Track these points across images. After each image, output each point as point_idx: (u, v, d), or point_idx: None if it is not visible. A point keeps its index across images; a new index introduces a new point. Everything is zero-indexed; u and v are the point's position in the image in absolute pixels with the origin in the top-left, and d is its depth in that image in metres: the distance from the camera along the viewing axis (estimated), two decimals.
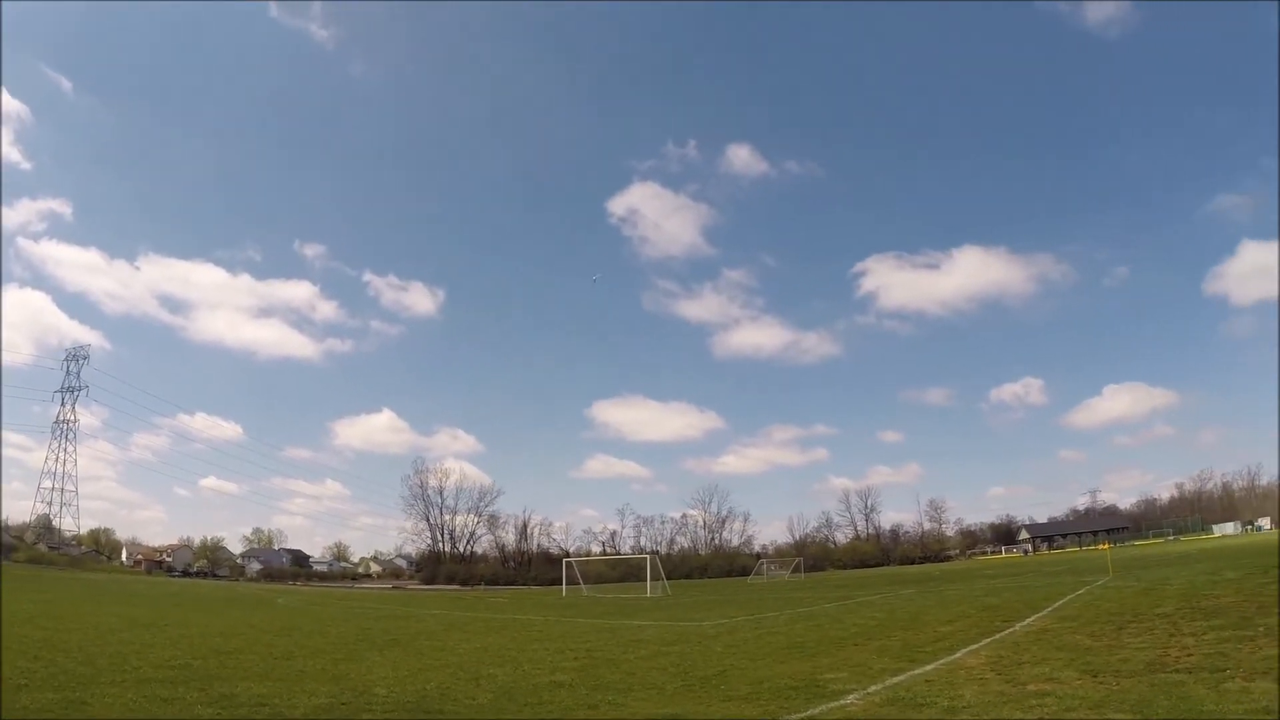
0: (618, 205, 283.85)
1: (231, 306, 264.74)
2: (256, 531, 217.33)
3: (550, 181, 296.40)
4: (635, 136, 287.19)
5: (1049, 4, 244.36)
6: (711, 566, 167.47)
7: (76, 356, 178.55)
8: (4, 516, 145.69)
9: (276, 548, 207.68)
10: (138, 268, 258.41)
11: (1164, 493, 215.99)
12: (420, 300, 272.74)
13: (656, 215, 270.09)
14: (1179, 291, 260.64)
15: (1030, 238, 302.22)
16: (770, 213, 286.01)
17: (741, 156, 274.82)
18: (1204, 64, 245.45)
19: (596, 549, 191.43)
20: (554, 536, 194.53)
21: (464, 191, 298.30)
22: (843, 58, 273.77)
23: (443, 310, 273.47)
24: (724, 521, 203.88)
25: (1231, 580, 32.06)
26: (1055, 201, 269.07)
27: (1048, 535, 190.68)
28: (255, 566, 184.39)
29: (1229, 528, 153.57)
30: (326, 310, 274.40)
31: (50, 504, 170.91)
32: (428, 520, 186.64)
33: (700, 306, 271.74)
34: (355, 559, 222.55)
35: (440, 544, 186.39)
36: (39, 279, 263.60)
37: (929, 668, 16.08)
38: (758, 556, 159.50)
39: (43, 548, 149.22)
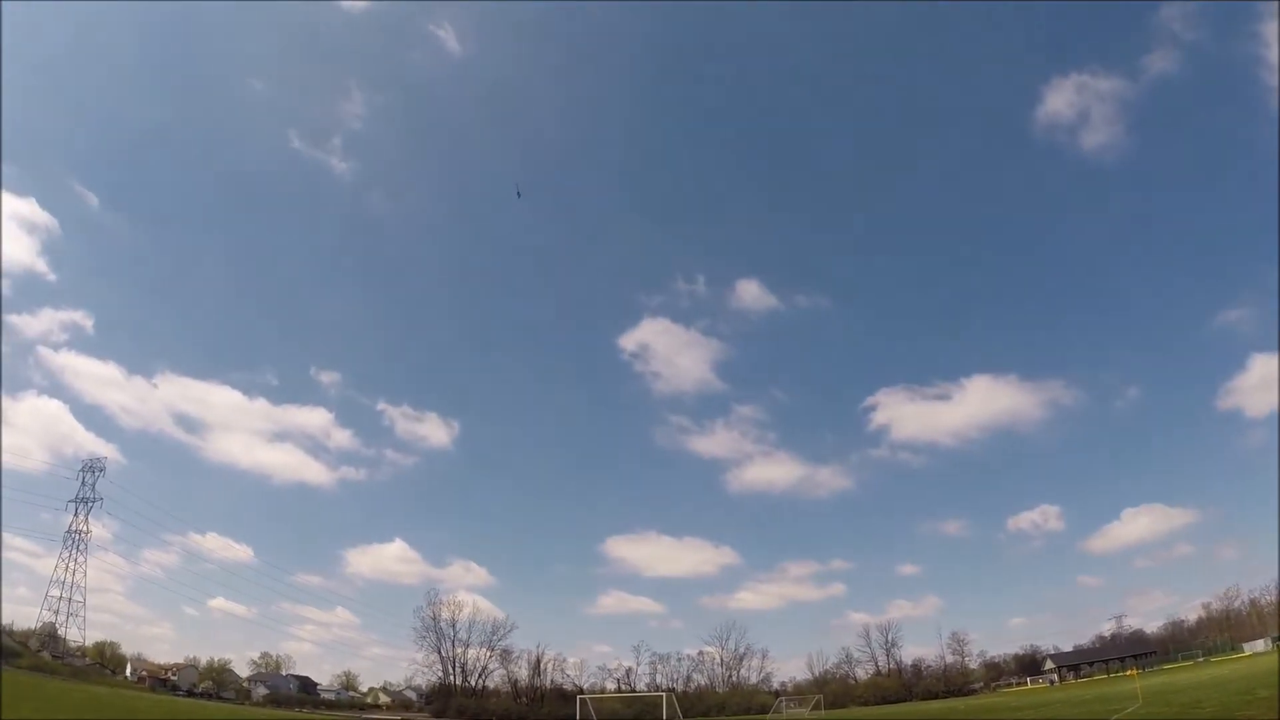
0: (629, 341, 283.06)
1: (247, 429, 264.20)
2: (264, 656, 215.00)
3: (563, 316, 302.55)
4: (645, 272, 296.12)
5: (1045, 135, 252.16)
6: (729, 704, 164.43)
7: (93, 468, 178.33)
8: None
9: (284, 673, 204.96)
10: (155, 385, 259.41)
11: (1191, 613, 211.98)
12: (434, 431, 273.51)
13: (668, 351, 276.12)
14: (1192, 408, 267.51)
15: (1038, 364, 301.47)
16: (779, 347, 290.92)
17: (750, 291, 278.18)
18: (1195, 182, 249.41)
19: (611, 686, 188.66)
20: (568, 672, 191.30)
21: (478, 325, 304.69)
22: (846, 190, 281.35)
23: (456, 442, 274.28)
24: (741, 658, 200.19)
25: (1265, 699, 30.50)
26: (1061, 325, 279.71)
27: (1074, 664, 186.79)
28: (261, 691, 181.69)
29: (1259, 645, 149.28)
30: (341, 438, 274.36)
31: (57, 613, 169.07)
32: (439, 652, 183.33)
33: (713, 442, 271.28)
34: (364, 688, 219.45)
35: (451, 677, 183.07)
36: (57, 388, 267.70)
37: None
38: (776, 694, 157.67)
39: (47, 656, 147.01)
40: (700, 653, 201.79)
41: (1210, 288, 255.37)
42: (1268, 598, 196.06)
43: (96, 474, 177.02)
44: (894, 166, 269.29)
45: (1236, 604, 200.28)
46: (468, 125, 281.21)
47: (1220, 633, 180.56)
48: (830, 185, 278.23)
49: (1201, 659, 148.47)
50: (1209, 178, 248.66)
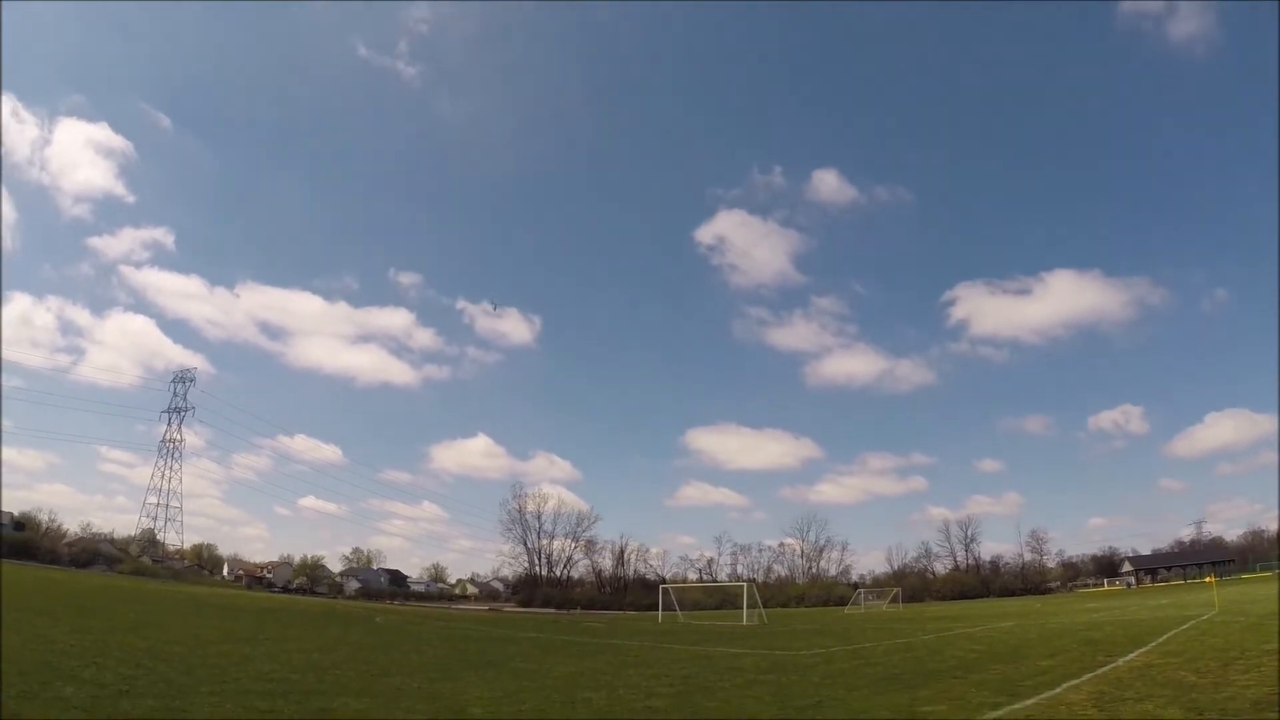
0: (705, 234, 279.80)
1: (329, 334, 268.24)
2: (355, 551, 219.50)
3: (638, 211, 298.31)
4: (720, 165, 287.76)
5: (1133, 19, 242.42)
6: (808, 596, 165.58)
7: (183, 379, 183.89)
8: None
9: (374, 567, 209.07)
10: (237, 295, 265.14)
11: (1272, 524, 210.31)
12: (516, 328, 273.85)
13: (745, 243, 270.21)
14: None
15: (1125, 260, 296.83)
16: (859, 239, 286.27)
17: (828, 182, 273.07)
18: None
19: (693, 576, 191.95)
20: (650, 563, 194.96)
21: (554, 222, 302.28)
22: (928, 81, 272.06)
23: (538, 338, 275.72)
24: (821, 550, 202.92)
25: None
26: (1149, 223, 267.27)
27: (1151, 568, 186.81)
28: (354, 585, 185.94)
29: None
30: (423, 338, 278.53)
31: (155, 519, 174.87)
32: (525, 544, 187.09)
33: (791, 334, 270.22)
34: (452, 580, 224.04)
35: (537, 568, 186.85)
36: (142, 305, 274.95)
37: (1029, 702, 15.85)
38: (855, 586, 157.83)
39: (147, 560, 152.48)
40: (781, 544, 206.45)
41: None
42: None
43: (187, 384, 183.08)
44: (974, 57, 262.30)
45: None
46: (533, 25, 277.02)
47: None
48: (909, 75, 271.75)
49: None
50: None
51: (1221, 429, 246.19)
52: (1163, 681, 17.67)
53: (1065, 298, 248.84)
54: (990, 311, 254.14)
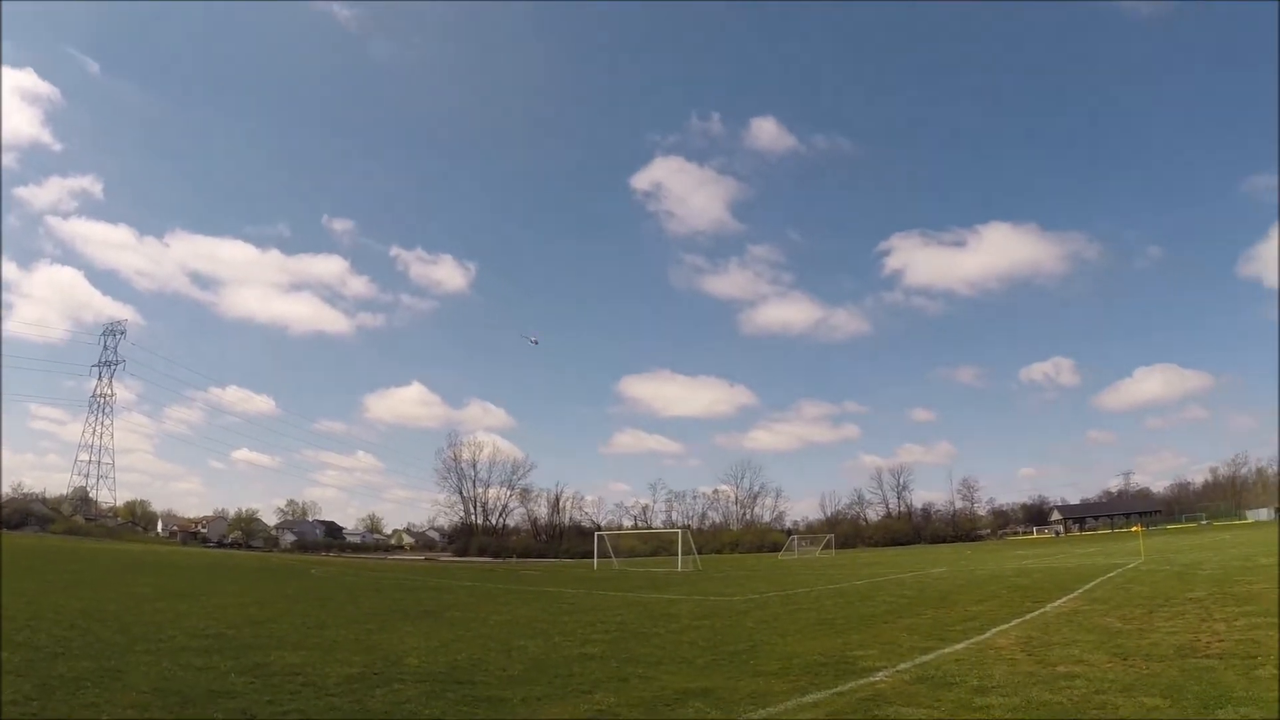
0: (642, 180, 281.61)
1: (262, 282, 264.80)
2: (290, 503, 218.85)
3: (573, 157, 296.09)
4: (659, 111, 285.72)
5: None
6: (743, 542, 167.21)
7: (113, 332, 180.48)
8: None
9: (310, 519, 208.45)
10: (167, 245, 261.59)
11: (1197, 476, 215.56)
12: (450, 275, 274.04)
13: (682, 190, 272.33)
14: (1213, 273, 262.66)
15: (1061, 215, 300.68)
16: (796, 188, 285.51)
17: (767, 130, 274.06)
18: (1236, 40, 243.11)
19: (628, 523, 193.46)
20: (586, 510, 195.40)
21: (490, 168, 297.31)
22: (868, 29, 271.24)
23: (473, 285, 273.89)
24: (755, 497, 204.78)
25: (1265, 566, 32.03)
26: (1086, 180, 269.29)
27: (1079, 517, 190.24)
28: (289, 538, 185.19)
29: (1262, 514, 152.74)
30: (357, 285, 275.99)
31: (87, 476, 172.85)
32: (460, 493, 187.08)
33: (727, 282, 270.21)
34: (388, 531, 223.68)
35: (473, 517, 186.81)
36: (70, 256, 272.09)
37: (959, 647, 16.10)
38: (789, 532, 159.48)
39: (80, 519, 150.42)
40: (715, 491, 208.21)
41: (1241, 152, 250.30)
42: (1275, 467, 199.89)
43: (117, 337, 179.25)
44: (916, 8, 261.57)
45: (1244, 471, 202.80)
46: None
47: (1225, 498, 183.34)
48: (849, 24, 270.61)
49: (1205, 522, 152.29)
50: (1246, 40, 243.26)
51: (1150, 383, 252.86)
52: (1089, 627, 18.00)
53: (1000, 250, 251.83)
54: (925, 262, 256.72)
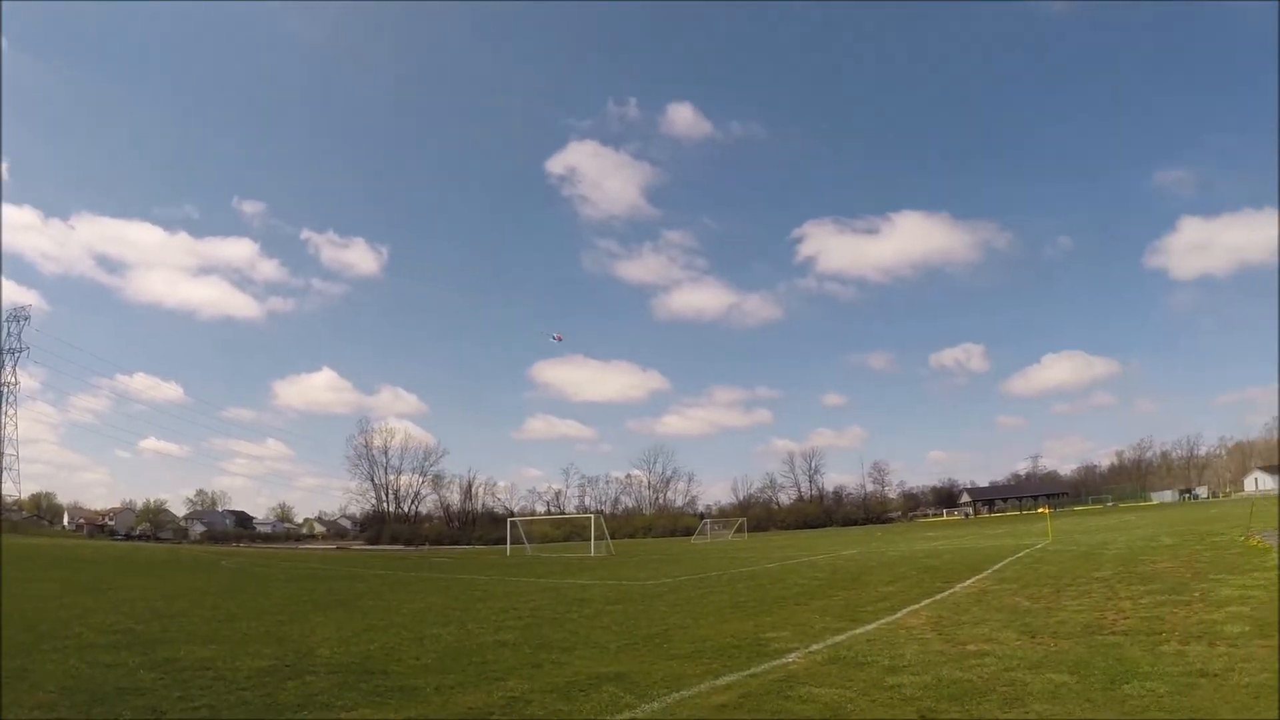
0: (556, 164, 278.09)
1: (170, 265, 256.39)
2: (200, 493, 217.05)
3: (489, 140, 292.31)
4: (575, 95, 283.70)
5: None
6: (656, 526, 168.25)
7: (17, 318, 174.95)
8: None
9: (219, 509, 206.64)
10: (73, 227, 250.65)
11: (1104, 460, 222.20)
12: (362, 258, 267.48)
13: (596, 174, 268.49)
14: (1121, 263, 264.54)
15: (972, 205, 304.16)
16: (711, 174, 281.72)
17: (683, 116, 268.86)
18: (1148, 38, 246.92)
19: (541, 509, 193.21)
20: (498, 496, 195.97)
21: (403, 150, 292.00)
22: (786, 18, 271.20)
23: (385, 269, 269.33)
24: (668, 482, 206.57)
25: (1168, 546, 32.72)
26: (998, 170, 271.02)
27: (988, 499, 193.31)
28: (199, 529, 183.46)
29: (1166, 495, 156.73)
30: (267, 269, 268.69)
31: None
32: (372, 480, 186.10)
33: (641, 267, 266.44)
34: (299, 519, 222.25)
35: (385, 504, 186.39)
36: None
37: (870, 627, 16.24)
38: (701, 517, 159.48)
39: None
40: (628, 476, 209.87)
41: (1152, 146, 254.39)
42: (1178, 451, 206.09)
43: (21, 323, 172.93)
44: None
45: (1149, 455, 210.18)
46: None
47: (1131, 481, 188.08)
48: (767, 10, 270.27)
49: (1111, 504, 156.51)
50: (1158, 36, 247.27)
51: (1058, 370, 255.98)
52: (998, 606, 18.24)
53: (912, 238, 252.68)
54: (838, 249, 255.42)
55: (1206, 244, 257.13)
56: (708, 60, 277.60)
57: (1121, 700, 9.56)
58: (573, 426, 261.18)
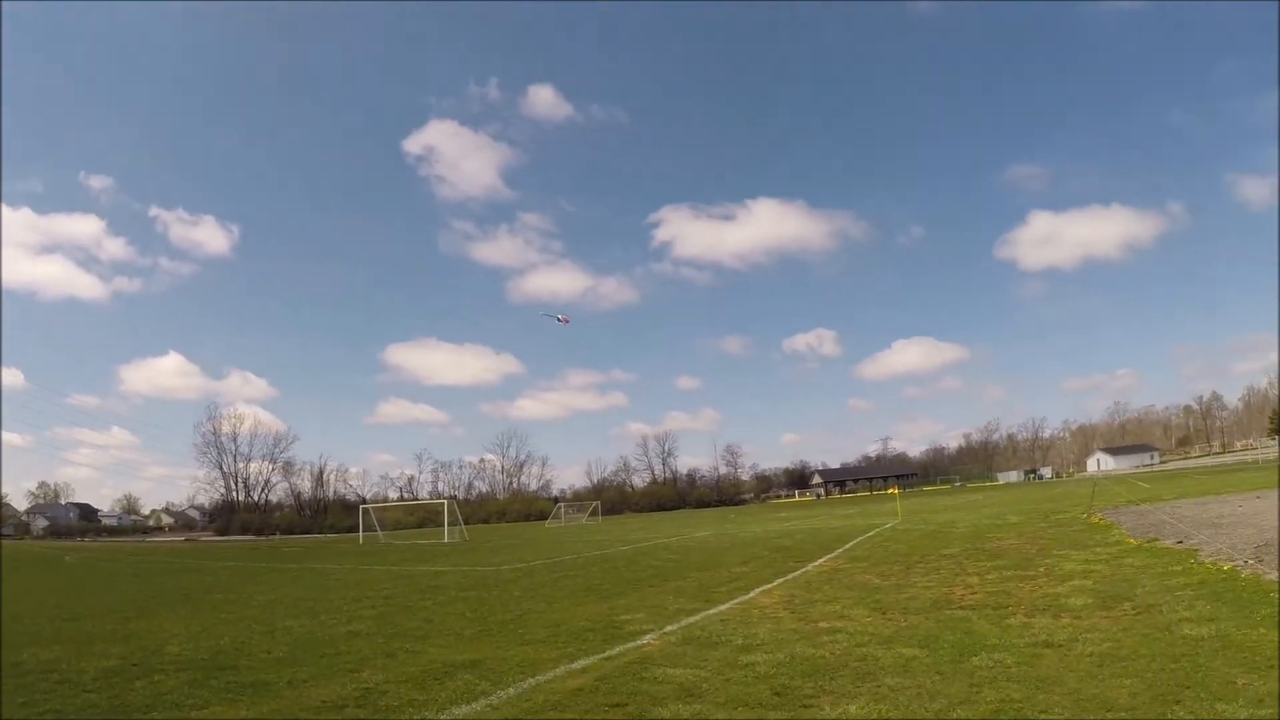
0: (414, 144, 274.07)
1: (10, 243, 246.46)
2: (42, 485, 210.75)
3: (345, 117, 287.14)
4: (435, 74, 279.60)
5: None
6: (510, 511, 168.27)
7: None
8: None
9: (63, 502, 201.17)
10: None
11: (952, 442, 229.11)
12: (212, 237, 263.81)
13: (454, 155, 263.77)
14: (971, 253, 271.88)
15: (828, 194, 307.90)
16: (570, 157, 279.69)
17: (544, 98, 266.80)
18: (1008, 36, 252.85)
19: (394, 495, 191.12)
20: (350, 483, 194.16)
21: (256, 124, 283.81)
22: (648, 3, 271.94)
23: (236, 249, 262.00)
24: (522, 466, 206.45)
25: (1014, 524, 33.79)
26: (856, 161, 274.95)
27: (840, 480, 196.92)
28: (41, 523, 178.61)
29: (1012, 475, 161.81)
30: (114, 247, 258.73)
31: None
32: (221, 469, 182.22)
33: (497, 249, 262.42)
34: (146, 511, 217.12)
35: (234, 493, 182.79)
36: None
37: (724, 607, 16.36)
38: (555, 501, 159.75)
39: None
40: (482, 460, 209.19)
41: (1005, 141, 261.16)
42: (1024, 434, 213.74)
43: None
44: None
45: (995, 437, 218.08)
46: None
47: (978, 462, 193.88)
48: None
49: (959, 484, 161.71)
50: (1015, 35, 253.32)
51: (908, 355, 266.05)
52: (849, 584, 18.52)
53: (768, 225, 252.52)
54: (695, 235, 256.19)
55: (1054, 237, 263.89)
56: (571, 43, 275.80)
57: (970, 672, 9.75)
58: (426, 411, 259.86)
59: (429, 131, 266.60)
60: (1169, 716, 7.63)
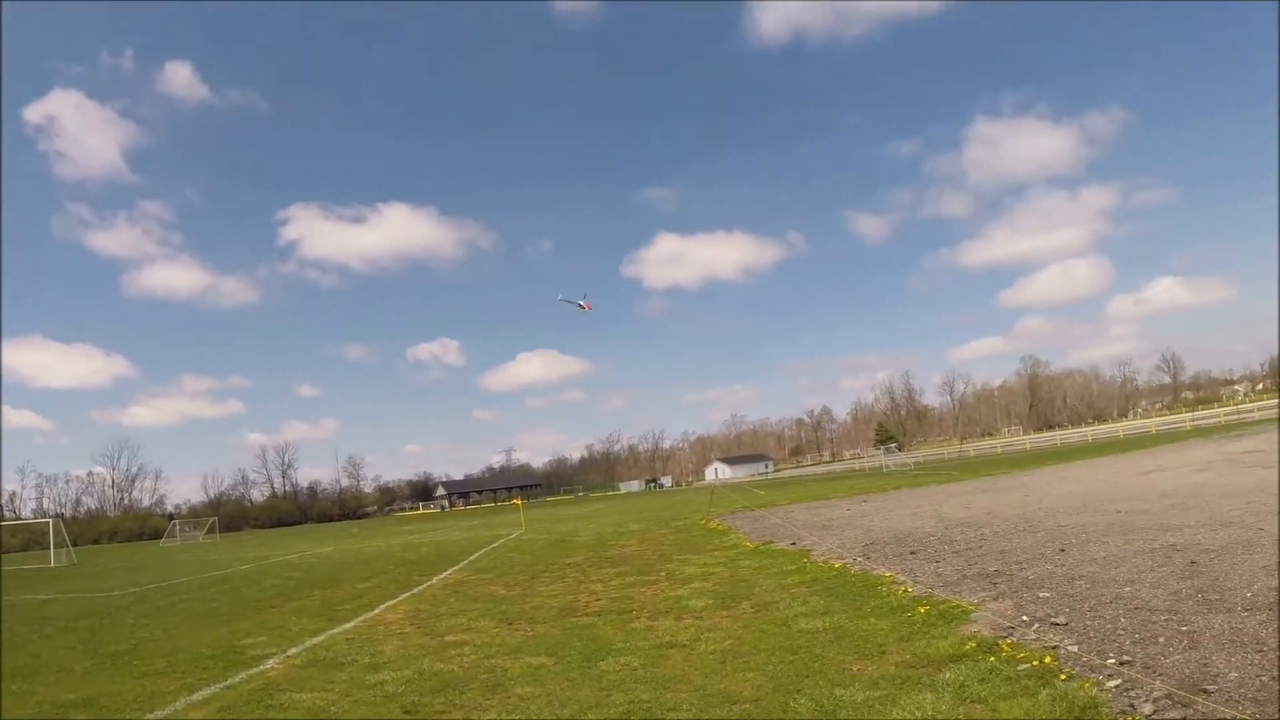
0: (35, 113, 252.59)
1: None
2: None
3: None
4: (66, 39, 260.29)
5: None
6: (122, 530, 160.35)
7: None
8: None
9: None
10: None
11: (575, 453, 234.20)
12: None
13: (78, 130, 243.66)
14: (599, 270, 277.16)
15: (460, 202, 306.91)
16: (202, 142, 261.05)
17: (181, 76, 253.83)
18: (656, 64, 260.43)
19: None
20: None
21: None
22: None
23: None
24: (134, 480, 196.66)
25: (635, 532, 34.90)
26: (490, 171, 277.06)
27: (464, 492, 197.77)
28: None
29: (634, 485, 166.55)
30: None
31: None
32: None
33: (113, 239, 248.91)
34: None
35: None
36: None
37: (349, 625, 16.16)
38: (170, 517, 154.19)
39: None
40: (90, 474, 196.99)
41: (641, 165, 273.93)
42: (645, 445, 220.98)
43: None
44: None
45: (616, 448, 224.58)
46: None
47: (600, 472, 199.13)
48: None
49: (582, 494, 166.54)
50: (667, 58, 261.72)
51: (532, 366, 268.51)
52: (475, 596, 18.64)
53: (399, 230, 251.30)
54: (324, 235, 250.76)
55: (679, 258, 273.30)
56: (216, 20, 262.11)
57: (599, 676, 10.00)
58: (29, 417, 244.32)
59: (52, 101, 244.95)
60: (791, 705, 8.03)
